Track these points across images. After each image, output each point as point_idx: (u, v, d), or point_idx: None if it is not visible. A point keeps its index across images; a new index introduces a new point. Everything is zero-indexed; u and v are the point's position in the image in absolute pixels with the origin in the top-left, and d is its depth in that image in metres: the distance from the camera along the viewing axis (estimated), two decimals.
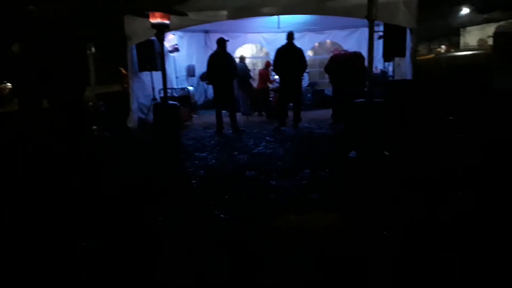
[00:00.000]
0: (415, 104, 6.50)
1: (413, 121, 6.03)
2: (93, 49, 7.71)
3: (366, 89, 8.45)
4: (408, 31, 7.30)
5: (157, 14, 5.37)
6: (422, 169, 4.32)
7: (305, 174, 4.41)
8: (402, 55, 7.38)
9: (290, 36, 7.46)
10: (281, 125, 7.32)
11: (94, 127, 7.46)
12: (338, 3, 7.30)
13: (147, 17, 5.68)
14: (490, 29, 32.95)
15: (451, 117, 7.03)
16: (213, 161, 5.37)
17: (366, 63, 8.12)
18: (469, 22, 38.35)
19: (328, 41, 12.02)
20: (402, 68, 7.85)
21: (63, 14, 6.98)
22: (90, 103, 7.70)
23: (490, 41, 30.57)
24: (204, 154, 5.78)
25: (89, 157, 5.61)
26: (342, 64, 7.76)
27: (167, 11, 5.48)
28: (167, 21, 5.48)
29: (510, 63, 9.14)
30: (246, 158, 5.41)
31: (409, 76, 7.72)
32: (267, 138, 6.77)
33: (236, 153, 5.77)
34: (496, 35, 11.39)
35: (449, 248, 2.63)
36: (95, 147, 6.66)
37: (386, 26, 7.29)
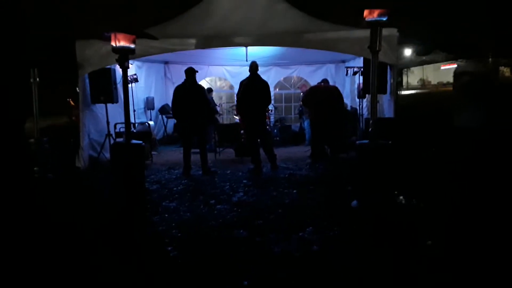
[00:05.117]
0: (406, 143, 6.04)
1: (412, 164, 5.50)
2: (37, 78, 6.58)
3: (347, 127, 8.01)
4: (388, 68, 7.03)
5: (120, 36, 4.46)
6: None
7: (309, 234, 3.60)
8: (383, 91, 7.02)
9: (254, 67, 6.51)
10: (258, 167, 6.50)
11: (36, 168, 6.24)
12: (316, 36, 6.85)
13: (108, 39, 4.75)
14: (428, 69, 35.24)
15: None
16: (188, 214, 4.40)
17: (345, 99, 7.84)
18: (411, 63, 41.01)
19: (294, 76, 11.67)
20: (382, 105, 7.45)
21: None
22: (32, 140, 6.45)
23: (433, 81, 32.37)
24: (173, 204, 4.81)
25: (27, 207, 4.44)
26: (321, 96, 7.27)
27: (136, 33, 4.60)
28: (131, 45, 4.58)
29: (469, 101, 9.18)
30: (227, 210, 4.52)
31: (388, 113, 7.37)
32: (245, 181, 5.93)
33: (213, 201, 4.86)
34: (456, 75, 11.70)
35: None
36: (36, 193, 5.44)
37: (366, 61, 6.90)
